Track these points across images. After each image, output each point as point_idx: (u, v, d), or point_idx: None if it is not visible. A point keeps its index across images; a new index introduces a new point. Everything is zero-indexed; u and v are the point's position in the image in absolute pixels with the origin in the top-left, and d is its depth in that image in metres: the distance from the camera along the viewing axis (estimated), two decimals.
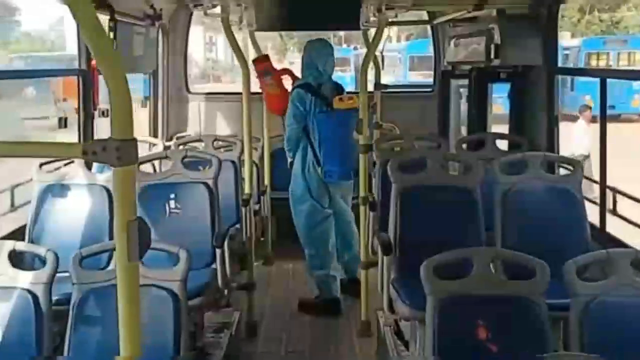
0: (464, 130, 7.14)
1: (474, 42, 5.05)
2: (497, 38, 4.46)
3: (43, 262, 2.73)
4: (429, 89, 7.50)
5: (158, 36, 6.54)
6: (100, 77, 4.93)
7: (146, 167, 4.74)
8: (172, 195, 3.88)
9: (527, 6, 4.39)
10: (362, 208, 4.69)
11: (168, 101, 7.08)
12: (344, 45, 29.01)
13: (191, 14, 7.23)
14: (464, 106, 7.00)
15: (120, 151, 1.61)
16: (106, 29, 5.02)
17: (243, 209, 4.53)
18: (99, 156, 1.61)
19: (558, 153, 4.60)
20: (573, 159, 4.31)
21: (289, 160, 5.07)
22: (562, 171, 4.26)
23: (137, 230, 1.64)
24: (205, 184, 3.94)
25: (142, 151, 5.21)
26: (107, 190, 3.83)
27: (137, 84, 6.95)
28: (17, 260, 2.75)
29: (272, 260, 6.18)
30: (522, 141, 4.66)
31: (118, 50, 4.95)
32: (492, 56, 4.46)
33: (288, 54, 35.91)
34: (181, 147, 4.94)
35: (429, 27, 7.31)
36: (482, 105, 4.93)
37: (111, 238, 3.45)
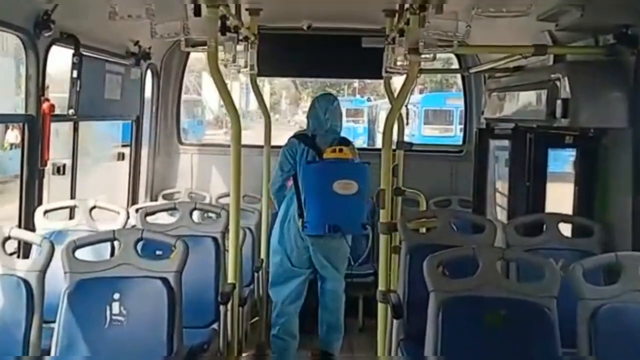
0: (499, 199, 6.09)
1: (528, 96, 3.98)
2: (564, 91, 3.39)
3: None
4: (457, 150, 6.51)
5: (144, 78, 5.57)
6: (55, 125, 3.91)
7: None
8: (116, 296, 2.78)
9: (607, 50, 3.32)
10: (380, 307, 3.57)
11: (155, 153, 6.12)
12: (358, 96, 28.46)
13: (188, 55, 6.36)
14: (499, 170, 5.99)
15: None
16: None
17: (222, 308, 3.43)
18: None
19: None
20: None
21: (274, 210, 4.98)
22: None
23: None
24: (163, 279, 2.84)
25: (107, 218, 4.16)
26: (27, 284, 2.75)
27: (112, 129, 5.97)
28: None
29: (266, 347, 5.07)
30: (593, 226, 3.55)
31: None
32: (559, 114, 3.37)
33: (302, 103, 35.49)
34: (150, 218, 3.86)
35: (459, 77, 6.53)
36: (539, 176, 3.83)
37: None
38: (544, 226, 3.67)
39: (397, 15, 4.61)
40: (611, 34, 3.29)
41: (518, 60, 4.41)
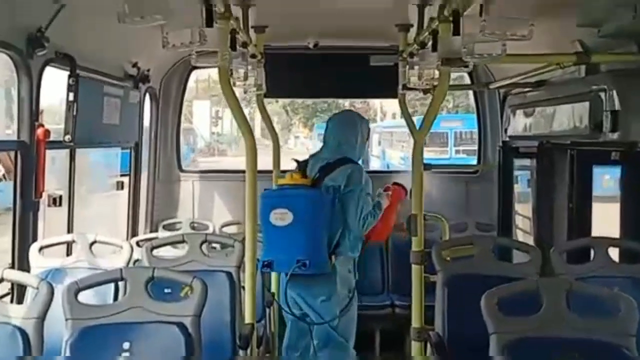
0: (519, 221, 5.78)
1: (563, 110, 3.69)
2: (612, 103, 3.09)
3: None
4: (472, 170, 6.24)
5: (142, 102, 5.26)
6: (50, 153, 3.57)
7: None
8: (126, 345, 2.41)
9: None
10: (414, 346, 3.22)
11: (155, 181, 5.79)
12: None
13: (187, 79, 6.08)
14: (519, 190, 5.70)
15: None
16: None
17: (241, 352, 3.07)
18: None
19: None
20: None
21: None
22: None
23: None
24: (180, 324, 2.47)
25: (106, 253, 3.81)
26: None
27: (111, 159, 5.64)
28: None
29: None
30: None
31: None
32: (607, 128, 3.07)
33: (293, 128, 35.37)
34: (154, 251, 3.50)
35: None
36: (584, 196, 3.51)
37: None
38: (592, 252, 3.34)
39: (412, 28, 4.34)
40: None
41: (541, 75, 4.14)
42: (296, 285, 3.92)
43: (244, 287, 3.43)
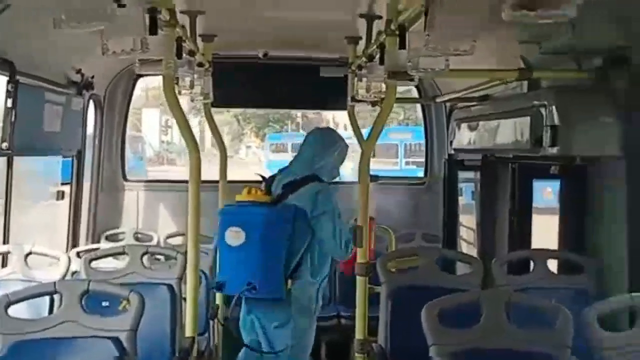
0: (463, 233, 5.88)
1: (506, 125, 3.76)
2: (552, 118, 3.17)
3: None
4: (419, 181, 6.30)
5: (86, 109, 5.13)
6: None
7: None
8: None
9: (595, 74, 3.13)
10: (358, 358, 3.21)
11: (98, 190, 5.65)
12: (302, 131, 28.44)
13: (133, 86, 5.98)
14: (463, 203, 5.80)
15: None
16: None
17: None
18: None
19: None
20: None
21: None
22: None
23: None
24: (115, 339, 2.40)
25: (42, 265, 3.68)
26: None
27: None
28: None
29: None
30: (584, 263, 3.31)
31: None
32: (547, 143, 3.14)
33: (245, 138, 35.15)
34: (94, 263, 3.40)
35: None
36: (524, 209, 3.58)
37: None
38: (532, 263, 3.41)
39: (362, 41, 4.37)
40: (599, 57, 3.11)
41: (486, 89, 4.23)
42: (254, 308, 3.72)
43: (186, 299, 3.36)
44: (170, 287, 3.39)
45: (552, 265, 3.55)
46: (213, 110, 5.05)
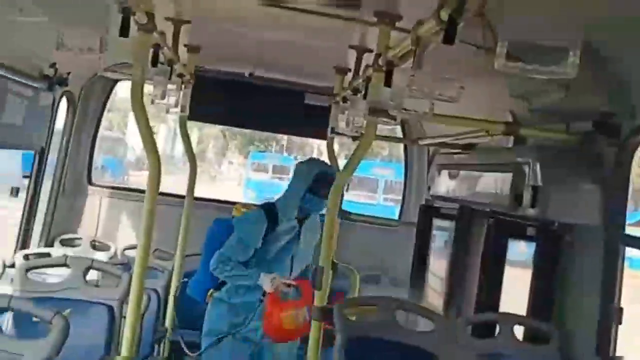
0: (432, 281, 5.69)
1: (487, 177, 3.61)
2: (534, 178, 3.02)
3: None
4: (393, 222, 6.12)
5: (56, 105, 4.91)
6: None
7: None
8: None
9: (583, 137, 2.98)
10: None
11: (59, 191, 5.40)
12: (285, 154, 28.25)
13: (111, 88, 5.79)
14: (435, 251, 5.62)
15: None
16: None
17: None
18: None
19: None
20: None
21: None
22: None
23: None
24: None
25: None
26: None
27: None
28: None
29: None
30: (551, 332, 3.13)
31: None
32: (526, 203, 2.98)
33: (229, 153, 34.92)
34: (29, 273, 3.13)
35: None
36: (496, 269, 3.40)
37: None
38: (497, 327, 3.22)
39: (350, 73, 4.22)
40: (589, 121, 2.97)
41: (471, 138, 4.09)
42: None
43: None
44: (110, 308, 3.13)
45: (519, 330, 3.37)
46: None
